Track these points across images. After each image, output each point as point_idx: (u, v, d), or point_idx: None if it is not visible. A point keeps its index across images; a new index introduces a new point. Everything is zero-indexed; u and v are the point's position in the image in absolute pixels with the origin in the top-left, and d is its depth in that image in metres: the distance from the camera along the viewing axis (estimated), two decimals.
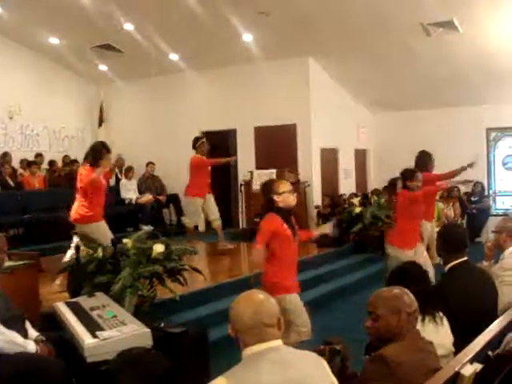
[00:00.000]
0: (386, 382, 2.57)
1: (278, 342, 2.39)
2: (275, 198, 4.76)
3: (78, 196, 6.80)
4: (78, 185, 6.76)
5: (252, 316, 2.36)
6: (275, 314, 2.41)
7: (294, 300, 4.82)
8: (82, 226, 6.74)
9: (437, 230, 6.81)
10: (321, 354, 3.00)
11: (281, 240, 4.75)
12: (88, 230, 6.64)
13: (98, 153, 6.73)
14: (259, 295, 2.46)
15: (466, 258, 4.08)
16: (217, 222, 9.64)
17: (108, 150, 6.85)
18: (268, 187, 4.87)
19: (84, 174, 6.70)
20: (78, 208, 6.75)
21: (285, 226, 4.76)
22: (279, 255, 4.77)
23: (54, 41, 11.95)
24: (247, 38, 11.07)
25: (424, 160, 7.63)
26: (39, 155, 12.50)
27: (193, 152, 9.47)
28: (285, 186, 4.85)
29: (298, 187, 11.15)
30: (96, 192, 6.74)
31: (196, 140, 9.60)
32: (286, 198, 4.79)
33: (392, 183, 7.52)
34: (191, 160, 9.49)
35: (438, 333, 3.26)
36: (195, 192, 9.40)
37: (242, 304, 2.42)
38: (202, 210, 9.59)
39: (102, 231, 6.65)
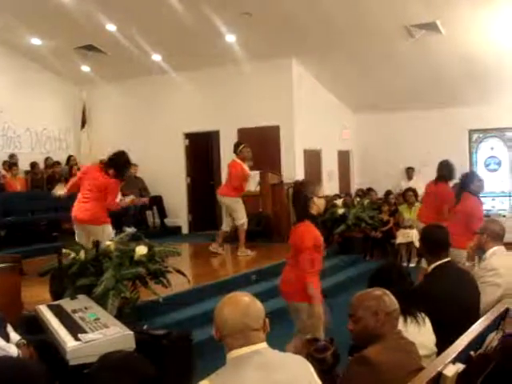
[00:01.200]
0: (368, 383, 2.58)
1: (263, 345, 2.36)
2: (315, 200, 4.59)
3: (93, 197, 6.91)
4: (96, 188, 6.91)
5: (239, 321, 2.32)
6: (261, 317, 2.38)
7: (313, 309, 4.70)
8: (93, 226, 6.83)
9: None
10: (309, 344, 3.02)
11: (316, 250, 4.64)
12: (98, 230, 6.74)
13: (123, 168, 7.09)
14: (245, 298, 2.40)
15: (448, 259, 4.09)
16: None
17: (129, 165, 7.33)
18: (309, 187, 4.69)
19: (110, 183, 6.93)
20: (93, 209, 6.88)
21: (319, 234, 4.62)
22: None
23: (36, 42, 11.86)
24: (230, 38, 11.06)
25: (449, 170, 7.27)
26: (13, 155, 12.38)
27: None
28: (322, 192, 4.72)
29: (282, 188, 11.15)
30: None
31: (237, 145, 9.43)
32: (322, 204, 4.65)
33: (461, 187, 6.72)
34: (232, 166, 9.27)
35: (420, 333, 3.27)
36: (236, 194, 9.27)
37: (228, 308, 2.36)
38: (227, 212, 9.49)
39: (110, 233, 6.84)
